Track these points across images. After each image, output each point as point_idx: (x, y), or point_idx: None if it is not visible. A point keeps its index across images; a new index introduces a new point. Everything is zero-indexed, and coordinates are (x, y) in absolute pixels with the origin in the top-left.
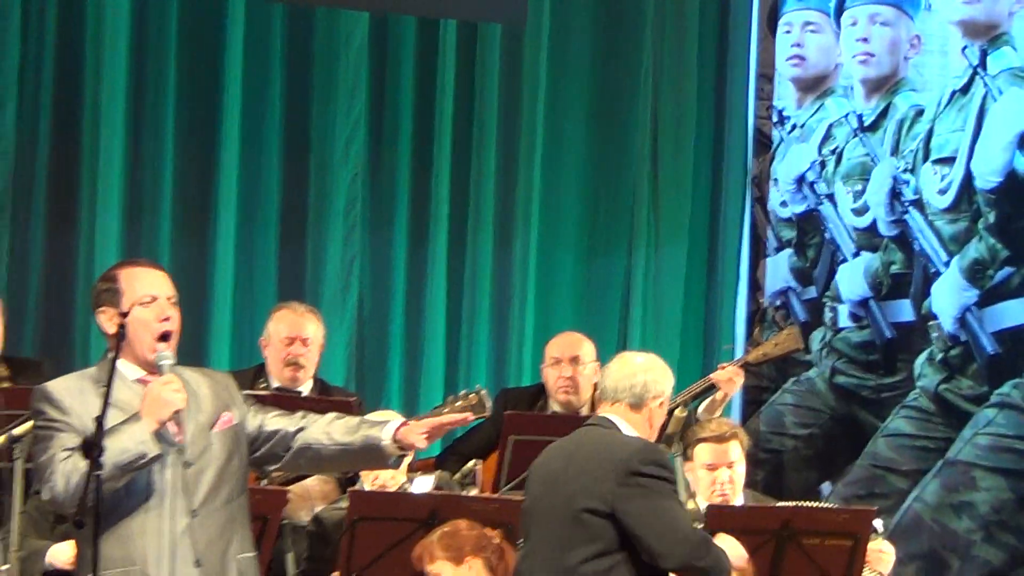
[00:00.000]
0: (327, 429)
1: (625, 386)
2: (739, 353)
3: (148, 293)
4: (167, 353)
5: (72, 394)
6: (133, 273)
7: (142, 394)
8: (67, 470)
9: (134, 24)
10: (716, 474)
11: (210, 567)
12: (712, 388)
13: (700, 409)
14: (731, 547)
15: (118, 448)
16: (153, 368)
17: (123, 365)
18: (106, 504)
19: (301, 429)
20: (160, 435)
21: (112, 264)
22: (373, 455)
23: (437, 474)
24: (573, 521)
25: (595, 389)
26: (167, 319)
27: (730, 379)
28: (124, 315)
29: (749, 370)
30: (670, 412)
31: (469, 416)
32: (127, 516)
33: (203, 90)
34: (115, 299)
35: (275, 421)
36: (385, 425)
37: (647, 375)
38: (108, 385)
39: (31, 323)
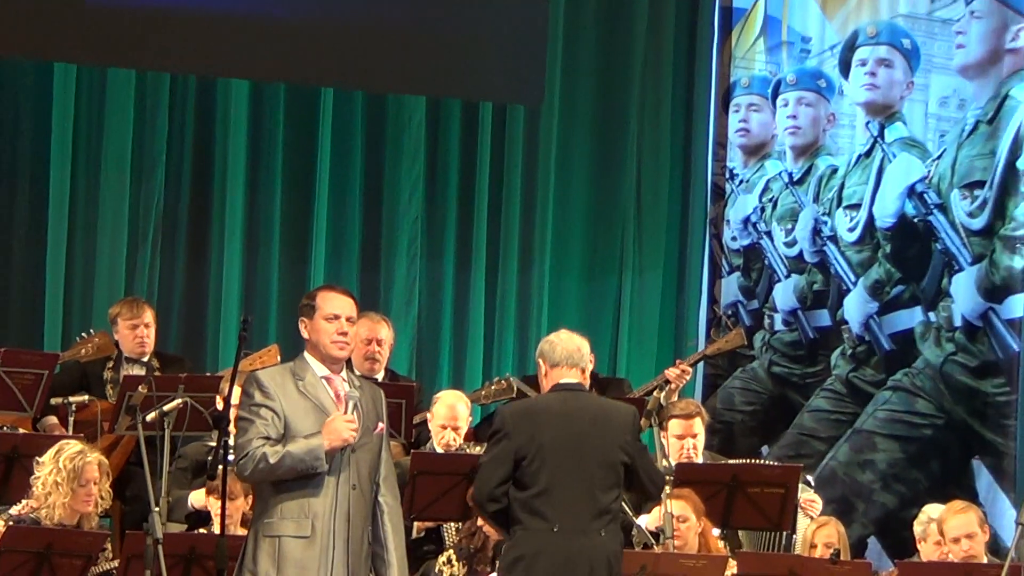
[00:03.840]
0: (395, 520)
1: (579, 355)
2: (701, 347)
3: (333, 312)
4: (356, 393)
5: (276, 382)
6: (327, 296)
7: (326, 390)
8: (256, 457)
9: (252, 106)
10: (684, 442)
11: (356, 527)
12: (667, 381)
13: (663, 395)
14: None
15: (298, 456)
16: (334, 366)
17: (312, 363)
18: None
19: (383, 495)
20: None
21: (311, 290)
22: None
23: (484, 445)
24: (612, 465)
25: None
26: (343, 333)
27: (679, 374)
28: (244, 323)
29: (708, 361)
30: (650, 393)
31: None
32: (305, 481)
33: (303, 156)
34: (310, 313)
35: (383, 467)
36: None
37: (585, 345)
38: (232, 379)
39: (174, 327)
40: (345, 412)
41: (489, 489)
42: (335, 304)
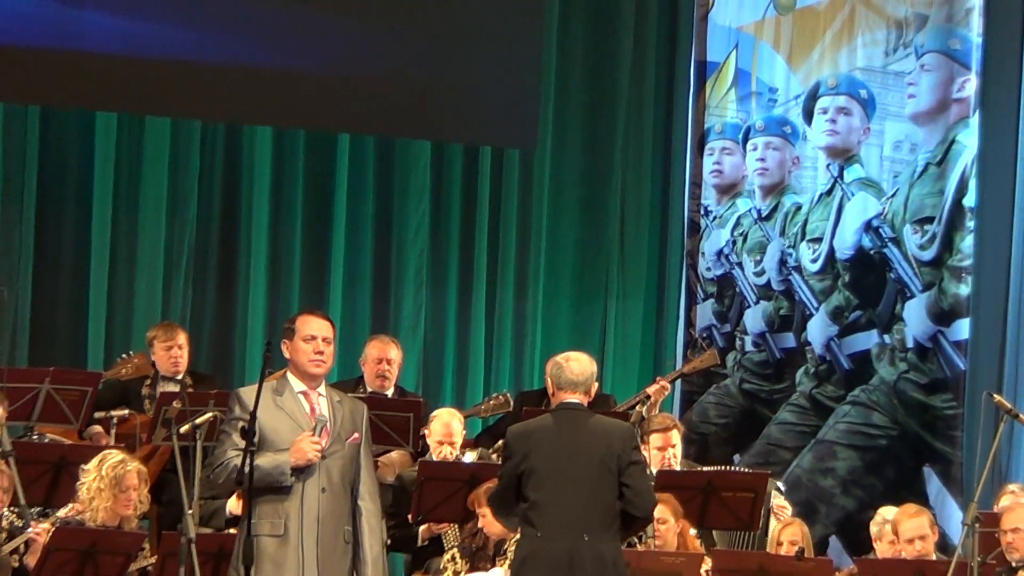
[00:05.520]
0: (372, 523)
1: (582, 380)
2: (678, 366)
3: (310, 333)
4: (324, 418)
5: (254, 396)
6: (305, 319)
7: (301, 404)
8: (228, 467)
9: (275, 151)
10: (664, 452)
11: (327, 526)
12: (648, 396)
13: (644, 409)
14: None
15: (266, 470)
16: (311, 382)
17: (292, 380)
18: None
19: (362, 499)
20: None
21: (292, 312)
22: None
23: (479, 450)
24: (600, 476)
25: None
26: (320, 352)
27: (659, 390)
28: (268, 345)
29: (685, 378)
30: (633, 407)
31: None
32: (279, 488)
33: (320, 195)
34: (291, 335)
35: (362, 474)
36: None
37: (592, 370)
38: (258, 395)
39: (205, 349)
40: (313, 433)
41: (498, 502)
42: (312, 326)
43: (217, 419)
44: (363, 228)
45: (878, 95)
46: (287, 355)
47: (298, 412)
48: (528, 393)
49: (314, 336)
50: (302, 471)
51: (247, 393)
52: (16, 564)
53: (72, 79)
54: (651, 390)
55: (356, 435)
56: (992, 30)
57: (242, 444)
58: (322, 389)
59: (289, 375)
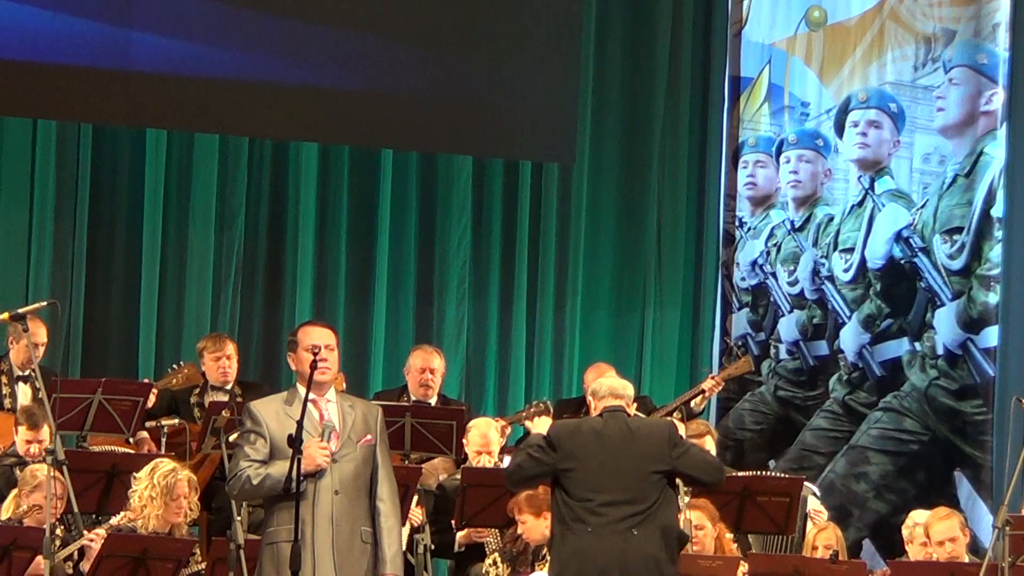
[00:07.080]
0: (390, 523)
1: (620, 384)
2: (714, 374)
3: (312, 343)
4: (332, 423)
5: (267, 408)
6: (306, 330)
7: (310, 412)
8: (242, 478)
9: (320, 166)
10: None
11: (342, 527)
12: (703, 391)
13: (693, 403)
14: None
15: (276, 478)
16: (318, 390)
17: (300, 390)
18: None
19: (380, 500)
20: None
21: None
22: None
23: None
24: (646, 475)
25: None
26: (323, 360)
27: (714, 385)
28: (315, 355)
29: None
30: (670, 414)
31: None
32: (293, 494)
33: (365, 208)
34: (295, 347)
35: (379, 475)
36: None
37: (629, 384)
38: (304, 403)
39: (253, 359)
40: (321, 439)
41: (519, 478)
42: (313, 336)
43: None
44: (406, 241)
45: (908, 108)
46: (293, 367)
47: (306, 420)
48: (567, 400)
49: (316, 345)
50: (313, 476)
51: (258, 406)
52: (70, 571)
53: (123, 98)
54: (706, 385)
55: (368, 437)
56: (1018, 45)
57: (254, 456)
58: (331, 395)
59: (298, 385)
